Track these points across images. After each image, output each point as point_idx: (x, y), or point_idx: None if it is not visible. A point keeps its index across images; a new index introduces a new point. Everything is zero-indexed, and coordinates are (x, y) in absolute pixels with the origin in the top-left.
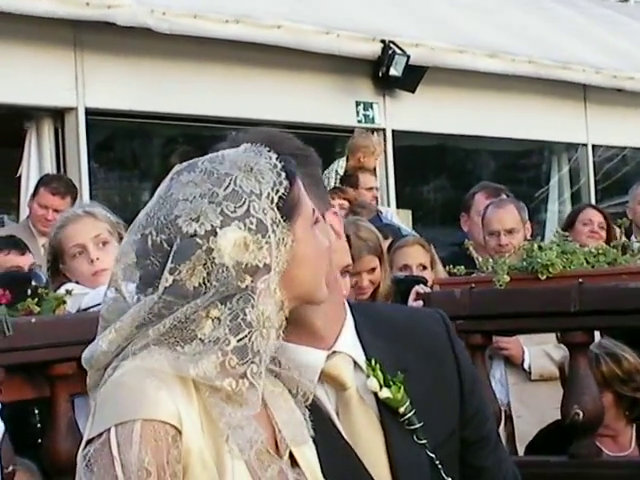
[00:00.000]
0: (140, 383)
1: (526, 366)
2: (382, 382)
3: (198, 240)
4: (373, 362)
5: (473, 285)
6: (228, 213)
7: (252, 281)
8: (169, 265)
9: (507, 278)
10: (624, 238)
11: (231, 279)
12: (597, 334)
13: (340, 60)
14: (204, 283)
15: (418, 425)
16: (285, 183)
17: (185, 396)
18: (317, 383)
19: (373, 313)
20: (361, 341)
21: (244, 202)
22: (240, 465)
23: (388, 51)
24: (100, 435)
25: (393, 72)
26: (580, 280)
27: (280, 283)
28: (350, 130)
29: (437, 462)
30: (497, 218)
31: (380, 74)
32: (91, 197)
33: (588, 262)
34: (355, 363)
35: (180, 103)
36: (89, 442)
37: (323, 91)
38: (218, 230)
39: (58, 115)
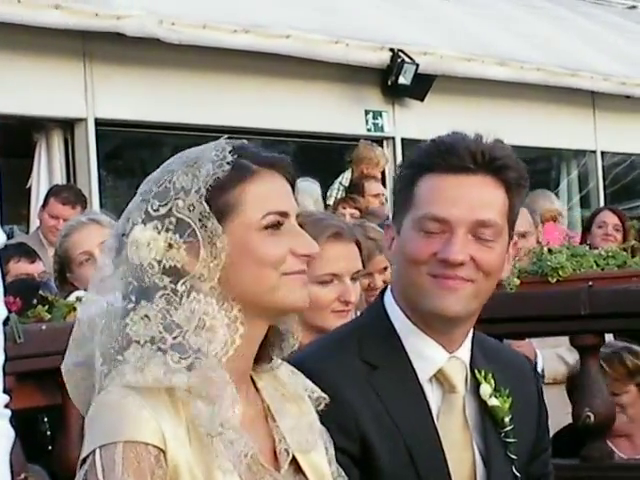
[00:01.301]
0: (122, 402)
1: (539, 369)
2: (492, 391)
3: (124, 239)
4: (484, 372)
5: None
6: (150, 212)
7: (171, 282)
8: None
9: (517, 282)
10: (633, 241)
11: (147, 277)
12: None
13: (349, 69)
14: (128, 282)
15: (513, 440)
16: (220, 174)
17: (171, 411)
18: (427, 380)
19: (479, 335)
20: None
21: (169, 201)
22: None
23: (397, 60)
24: (88, 456)
25: (402, 81)
26: (590, 283)
27: (223, 285)
28: (359, 139)
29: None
30: None
31: (389, 83)
32: (101, 206)
33: (598, 265)
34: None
35: (189, 113)
36: (83, 462)
37: (332, 100)
38: (135, 229)
39: (68, 126)
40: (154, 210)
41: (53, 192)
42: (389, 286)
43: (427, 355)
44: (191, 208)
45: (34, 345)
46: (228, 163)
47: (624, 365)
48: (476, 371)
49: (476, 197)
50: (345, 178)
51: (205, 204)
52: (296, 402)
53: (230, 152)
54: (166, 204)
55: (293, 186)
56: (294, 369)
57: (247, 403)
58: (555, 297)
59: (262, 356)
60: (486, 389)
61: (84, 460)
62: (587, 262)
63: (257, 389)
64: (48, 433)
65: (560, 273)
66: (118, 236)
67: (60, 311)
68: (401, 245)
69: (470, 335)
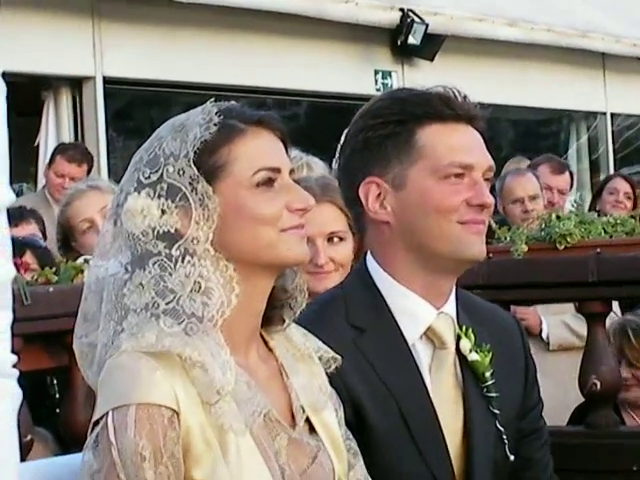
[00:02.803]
0: (135, 365)
1: (544, 336)
2: (472, 346)
3: (119, 209)
4: (465, 328)
5: (491, 255)
6: (142, 180)
7: (165, 247)
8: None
9: (525, 248)
10: None
11: (140, 245)
12: (615, 305)
13: (359, 29)
14: (124, 252)
15: (495, 395)
16: (207, 137)
17: (183, 373)
18: (417, 338)
19: (462, 292)
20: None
21: (159, 167)
22: (245, 439)
23: (407, 19)
24: (101, 418)
25: (412, 40)
26: (598, 250)
27: (218, 246)
28: (369, 99)
29: (504, 436)
30: (520, 186)
31: (399, 42)
32: (109, 166)
33: (606, 232)
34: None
35: (198, 72)
36: (95, 424)
37: (342, 60)
38: (128, 198)
39: (76, 84)
40: (145, 178)
41: (59, 150)
42: (368, 251)
43: (416, 313)
44: (181, 173)
45: (41, 307)
46: (215, 125)
47: None
48: (456, 327)
49: (482, 145)
50: None
51: (194, 167)
52: (307, 363)
53: (216, 114)
54: (157, 171)
55: (285, 142)
56: (306, 331)
57: (260, 361)
58: (563, 264)
59: (273, 317)
60: (466, 344)
61: (96, 423)
62: (595, 229)
63: (270, 349)
64: (57, 396)
65: (568, 240)
66: (114, 207)
67: (68, 273)
68: (415, 197)
69: (454, 292)
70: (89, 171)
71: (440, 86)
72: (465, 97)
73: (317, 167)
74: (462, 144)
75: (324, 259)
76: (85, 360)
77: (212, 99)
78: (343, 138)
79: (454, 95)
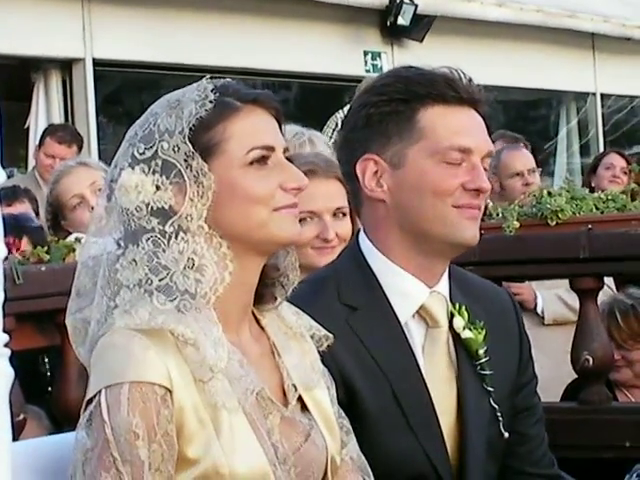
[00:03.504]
0: (128, 343)
1: (539, 310)
2: (465, 323)
3: (112, 185)
4: (458, 305)
5: (483, 231)
6: (137, 155)
7: (159, 223)
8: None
9: (517, 224)
10: (633, 184)
11: (134, 221)
12: (610, 281)
13: (348, 10)
14: (118, 228)
15: (489, 372)
16: (203, 114)
17: (176, 351)
18: (410, 317)
19: (456, 270)
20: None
21: (154, 143)
22: (238, 417)
23: (396, 0)
24: (94, 397)
25: (401, 21)
26: (589, 226)
27: (212, 223)
28: (358, 80)
29: (499, 414)
30: (519, 160)
31: (388, 23)
32: (99, 148)
33: (597, 208)
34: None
35: (189, 54)
36: (88, 402)
37: (331, 41)
38: (122, 173)
39: (66, 66)
40: (140, 154)
41: (49, 131)
42: (361, 229)
43: (409, 292)
44: (176, 149)
45: (33, 286)
46: (210, 102)
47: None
48: (450, 304)
49: (483, 129)
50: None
51: (189, 144)
52: (298, 341)
53: (212, 91)
54: (151, 147)
55: (280, 121)
56: (298, 310)
57: (253, 339)
58: (554, 240)
59: (265, 295)
60: (459, 322)
61: (90, 401)
62: (587, 205)
63: (262, 327)
64: (48, 374)
65: (560, 216)
66: (108, 182)
67: (59, 252)
68: (412, 177)
69: (447, 271)
70: (79, 152)
71: (446, 67)
72: (470, 80)
73: (319, 142)
74: (463, 127)
75: (332, 234)
76: (78, 336)
77: (208, 76)
78: (345, 113)
79: (459, 77)
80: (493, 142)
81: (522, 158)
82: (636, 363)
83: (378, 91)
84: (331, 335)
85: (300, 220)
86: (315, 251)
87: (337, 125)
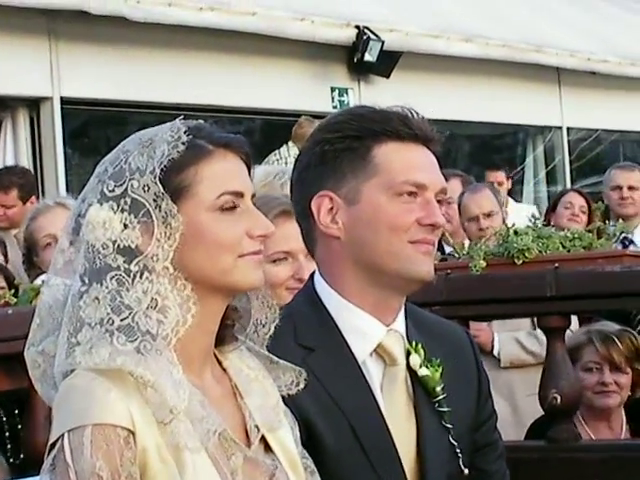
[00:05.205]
0: (89, 386)
1: (495, 353)
2: (422, 361)
3: (80, 220)
4: (414, 343)
5: (449, 271)
6: (106, 192)
7: (124, 262)
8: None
9: (483, 263)
10: (599, 223)
11: (99, 258)
12: (574, 319)
13: (315, 46)
14: (83, 264)
15: (447, 409)
16: (175, 155)
17: (137, 393)
18: (367, 355)
19: (411, 308)
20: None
21: (124, 181)
22: (201, 458)
23: (363, 37)
24: (57, 441)
25: (368, 57)
26: (556, 265)
27: (177, 265)
28: (325, 116)
29: (458, 450)
30: (475, 203)
31: (355, 60)
32: (67, 185)
33: (564, 246)
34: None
35: (155, 91)
36: (52, 446)
37: (298, 77)
38: (90, 209)
39: (34, 104)
40: (109, 190)
41: None
42: (316, 269)
43: (365, 331)
44: (146, 189)
45: (1, 329)
46: (183, 143)
47: (634, 344)
48: (406, 342)
49: (436, 166)
50: (287, 155)
51: (159, 185)
52: (260, 382)
53: (185, 132)
54: (121, 184)
55: (249, 166)
56: (259, 350)
57: (214, 381)
58: (521, 279)
59: (226, 337)
60: (415, 359)
61: (53, 445)
62: (553, 244)
63: (224, 369)
64: (4, 419)
65: (526, 254)
66: (75, 217)
67: (27, 295)
68: (367, 213)
69: (403, 307)
70: (22, 195)
71: (398, 106)
72: (423, 118)
73: None
74: (417, 163)
75: (307, 274)
76: (37, 370)
77: (181, 117)
78: (300, 151)
79: (412, 115)
80: (446, 180)
81: (479, 201)
82: (625, 388)
83: (332, 128)
84: (302, 376)
85: (275, 260)
86: (290, 291)
87: (284, 162)
